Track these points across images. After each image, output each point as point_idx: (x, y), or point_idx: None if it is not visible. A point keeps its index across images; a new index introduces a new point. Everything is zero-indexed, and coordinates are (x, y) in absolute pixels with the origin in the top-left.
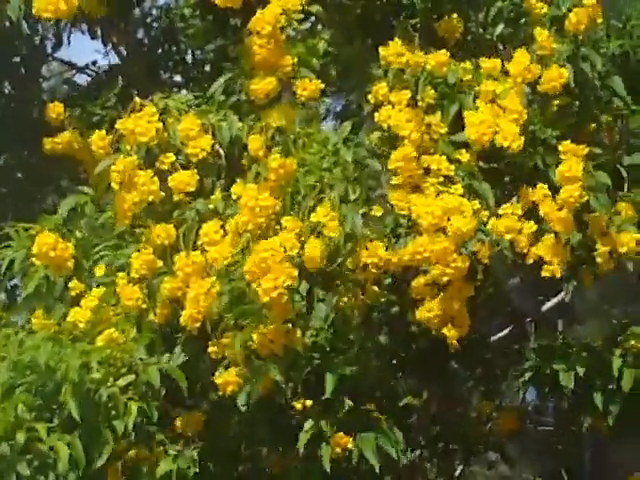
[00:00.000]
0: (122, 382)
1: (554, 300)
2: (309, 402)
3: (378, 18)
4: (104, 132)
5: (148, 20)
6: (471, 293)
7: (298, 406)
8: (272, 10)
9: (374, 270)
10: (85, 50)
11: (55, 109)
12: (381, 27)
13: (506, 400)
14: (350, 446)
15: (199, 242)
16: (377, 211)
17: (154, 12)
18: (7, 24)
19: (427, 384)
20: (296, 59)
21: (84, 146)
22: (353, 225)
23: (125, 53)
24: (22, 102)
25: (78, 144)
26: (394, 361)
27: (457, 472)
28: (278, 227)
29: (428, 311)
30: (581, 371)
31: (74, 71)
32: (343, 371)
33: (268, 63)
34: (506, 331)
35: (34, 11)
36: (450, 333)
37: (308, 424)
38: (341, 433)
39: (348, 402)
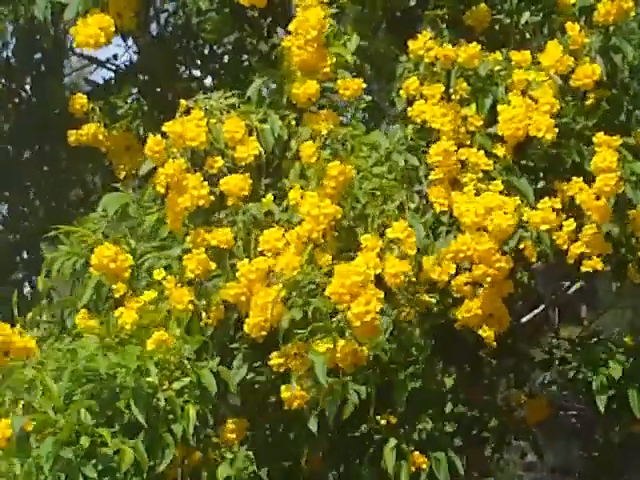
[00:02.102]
0: (177, 385)
1: (577, 286)
2: (393, 419)
3: (404, 10)
4: (159, 137)
5: (166, 14)
6: (511, 290)
7: (382, 422)
8: (316, 13)
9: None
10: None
11: (79, 100)
12: (407, 19)
13: (532, 388)
14: (425, 466)
15: (259, 248)
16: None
17: (170, 6)
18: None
19: (456, 372)
20: (334, 59)
21: (109, 138)
22: (419, 236)
23: (145, 47)
24: (43, 96)
25: (103, 136)
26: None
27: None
28: (336, 233)
29: (467, 311)
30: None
31: (95, 65)
32: (410, 386)
33: (307, 65)
34: (529, 317)
35: (75, 45)
36: (486, 334)
37: (392, 442)
38: (417, 452)
39: (429, 423)
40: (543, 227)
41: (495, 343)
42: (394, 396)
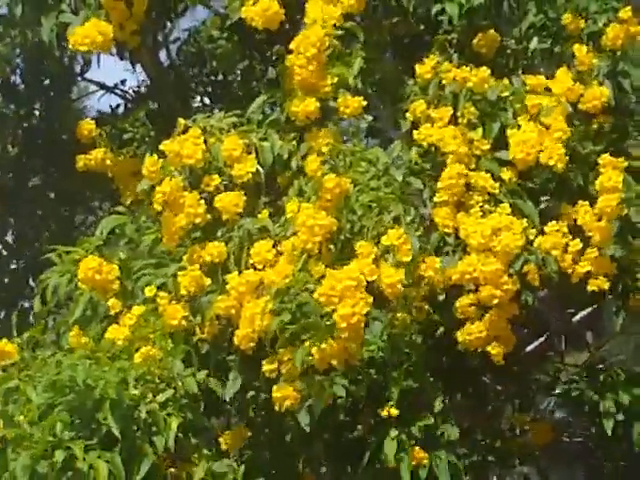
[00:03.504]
0: (161, 398)
1: (583, 313)
2: (395, 411)
3: (412, 34)
4: (155, 157)
5: (176, 42)
6: (516, 312)
7: (384, 413)
8: (316, 32)
9: (428, 285)
10: (114, 69)
11: (86, 126)
12: (415, 43)
13: (537, 413)
14: (425, 462)
15: (250, 261)
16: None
17: (181, 34)
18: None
19: (460, 396)
20: (336, 79)
21: (116, 163)
22: (413, 247)
23: (154, 74)
24: (52, 122)
25: (110, 161)
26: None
27: None
28: (332, 247)
29: (469, 334)
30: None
31: (103, 91)
32: (405, 384)
33: (308, 83)
34: (535, 344)
35: (70, 45)
36: (494, 351)
37: (393, 433)
38: (418, 448)
39: (430, 418)
40: (554, 252)
41: (503, 361)
42: (387, 394)
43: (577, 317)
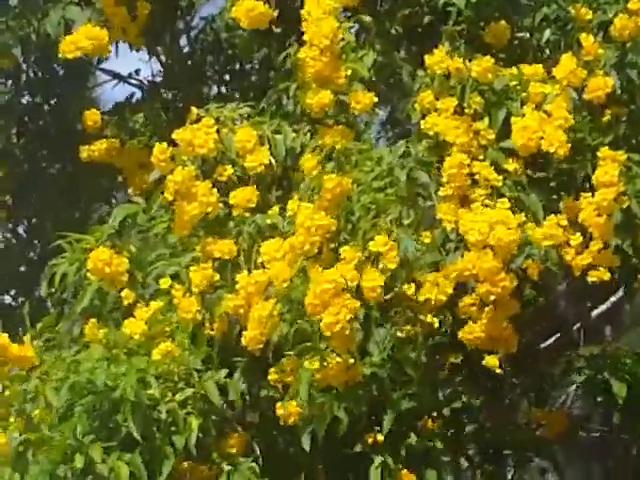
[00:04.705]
0: (180, 397)
1: (602, 307)
2: (380, 437)
3: (423, 25)
4: (165, 145)
5: (193, 32)
6: (517, 310)
7: (369, 440)
8: (330, 23)
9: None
10: (128, 59)
11: (92, 116)
12: (426, 34)
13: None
14: None
15: (259, 260)
16: (426, 237)
17: (199, 23)
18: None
19: (476, 390)
20: (349, 71)
21: (123, 153)
22: (406, 250)
23: (170, 64)
24: (65, 112)
25: (116, 151)
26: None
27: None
28: (332, 246)
29: (469, 333)
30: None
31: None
32: (403, 406)
33: (322, 75)
34: (554, 338)
35: (59, 54)
36: (490, 363)
37: (378, 460)
38: (406, 470)
39: (413, 437)
40: (545, 243)
41: (500, 370)
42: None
43: (596, 311)
